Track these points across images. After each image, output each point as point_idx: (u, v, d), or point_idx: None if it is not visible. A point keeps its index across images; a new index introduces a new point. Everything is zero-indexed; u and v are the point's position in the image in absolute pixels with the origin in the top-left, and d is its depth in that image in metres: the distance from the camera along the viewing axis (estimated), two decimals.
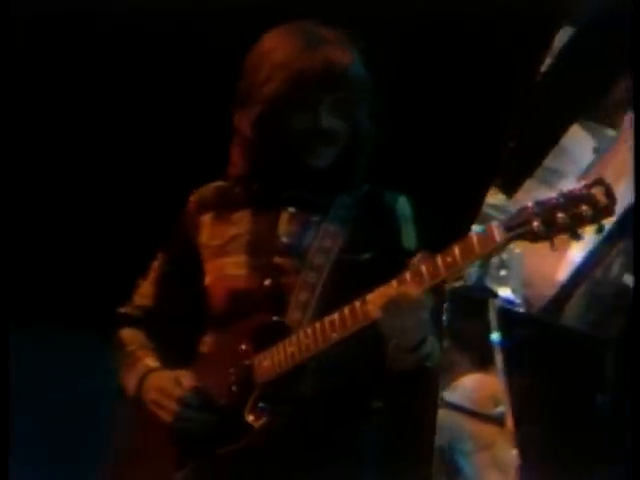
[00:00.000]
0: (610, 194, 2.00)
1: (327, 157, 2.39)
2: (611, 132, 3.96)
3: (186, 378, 2.33)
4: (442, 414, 3.76)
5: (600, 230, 2.03)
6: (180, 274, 2.49)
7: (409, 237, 2.43)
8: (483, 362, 3.86)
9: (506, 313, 3.91)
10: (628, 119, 3.92)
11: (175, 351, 2.45)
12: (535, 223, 2.03)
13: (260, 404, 2.26)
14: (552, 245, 2.04)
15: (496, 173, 3.83)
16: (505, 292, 3.91)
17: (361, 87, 2.39)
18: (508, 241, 2.06)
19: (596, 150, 3.96)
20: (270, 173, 2.42)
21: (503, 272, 3.91)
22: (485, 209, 3.89)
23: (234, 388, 2.30)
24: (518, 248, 3.51)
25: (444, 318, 3.62)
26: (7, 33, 2.82)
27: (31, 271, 3.55)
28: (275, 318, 2.30)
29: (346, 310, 2.19)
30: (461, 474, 3.76)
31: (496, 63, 3.58)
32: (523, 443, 3.72)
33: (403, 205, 2.45)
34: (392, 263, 2.21)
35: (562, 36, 3.79)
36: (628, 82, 3.88)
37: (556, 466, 3.63)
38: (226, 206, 2.46)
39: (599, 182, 2.02)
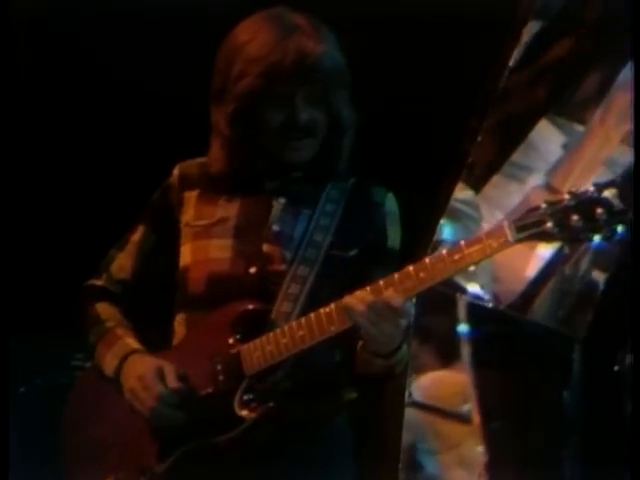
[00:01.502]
0: (625, 197, 1.97)
1: (308, 149, 2.35)
2: (580, 127, 3.93)
3: (170, 374, 2.25)
4: (407, 413, 3.74)
5: (612, 235, 1.99)
6: (160, 249, 2.43)
7: (395, 235, 2.41)
8: (450, 358, 3.85)
9: (475, 308, 3.90)
10: (598, 114, 3.91)
11: (147, 331, 2.40)
12: (549, 224, 2.02)
13: (245, 396, 2.21)
14: (566, 247, 2.03)
15: (464, 168, 3.82)
16: (474, 287, 3.89)
17: (336, 75, 2.34)
18: (521, 241, 2.05)
19: (565, 146, 3.93)
20: (250, 170, 2.37)
21: (472, 267, 3.89)
22: (453, 204, 3.88)
23: (221, 377, 2.24)
24: None
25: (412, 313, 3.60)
26: (7, 34, 2.79)
27: (30, 277, 3.52)
28: (261, 306, 2.25)
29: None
30: (424, 472, 3.74)
31: (464, 57, 3.58)
32: (490, 439, 3.71)
33: (391, 202, 2.43)
34: (377, 259, 2.21)
35: (530, 30, 3.77)
36: (597, 77, 3.88)
37: (522, 462, 3.63)
38: (212, 188, 2.41)
39: (612, 184, 2.00)
